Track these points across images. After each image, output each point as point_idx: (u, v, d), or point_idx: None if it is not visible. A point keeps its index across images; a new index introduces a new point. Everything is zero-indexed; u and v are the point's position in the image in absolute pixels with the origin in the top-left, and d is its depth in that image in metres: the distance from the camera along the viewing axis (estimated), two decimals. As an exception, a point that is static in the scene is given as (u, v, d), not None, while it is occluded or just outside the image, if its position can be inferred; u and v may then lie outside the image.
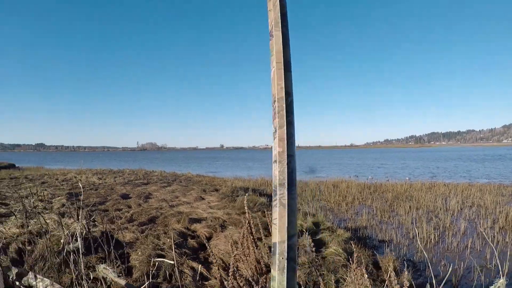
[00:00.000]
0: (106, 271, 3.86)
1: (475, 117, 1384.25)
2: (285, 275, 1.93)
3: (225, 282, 3.09)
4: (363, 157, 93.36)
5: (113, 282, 3.94)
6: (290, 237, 1.94)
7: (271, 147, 2.07)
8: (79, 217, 4.79)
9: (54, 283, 3.67)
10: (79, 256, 4.56)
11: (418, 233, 7.97)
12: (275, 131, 2.01)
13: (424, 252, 7.98)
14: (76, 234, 4.61)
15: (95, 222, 8.99)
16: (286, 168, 1.98)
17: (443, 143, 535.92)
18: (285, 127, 1.99)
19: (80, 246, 4.44)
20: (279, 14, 2.14)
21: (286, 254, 1.92)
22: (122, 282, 3.70)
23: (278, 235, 1.94)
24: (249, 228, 3.32)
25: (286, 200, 1.95)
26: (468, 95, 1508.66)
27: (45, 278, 3.73)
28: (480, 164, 48.43)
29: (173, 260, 5.73)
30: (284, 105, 2.01)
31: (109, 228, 8.22)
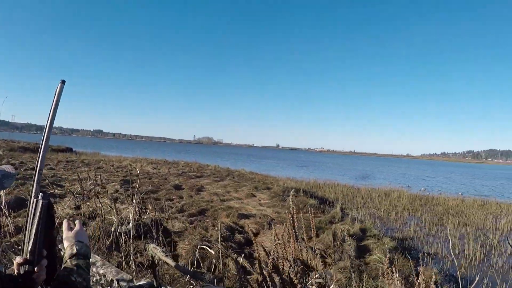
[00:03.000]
0: (155, 250, 3.98)
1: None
2: None
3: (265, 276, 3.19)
4: (410, 167, 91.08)
5: (161, 261, 4.04)
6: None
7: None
8: (133, 201, 4.96)
9: (104, 260, 3.82)
10: (129, 238, 4.81)
11: (464, 250, 7.86)
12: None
13: (468, 269, 7.91)
14: (129, 217, 4.79)
15: (147, 210, 9.29)
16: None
17: (501, 161, 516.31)
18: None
19: (131, 229, 4.60)
20: None
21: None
22: (171, 262, 3.83)
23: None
24: (292, 222, 3.43)
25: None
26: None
27: (96, 255, 3.88)
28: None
29: (218, 252, 5.91)
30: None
31: (160, 216, 8.49)
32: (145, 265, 5.12)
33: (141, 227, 5.36)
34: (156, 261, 3.85)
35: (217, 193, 13.40)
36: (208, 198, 12.25)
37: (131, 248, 4.75)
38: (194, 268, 5.73)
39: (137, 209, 5.05)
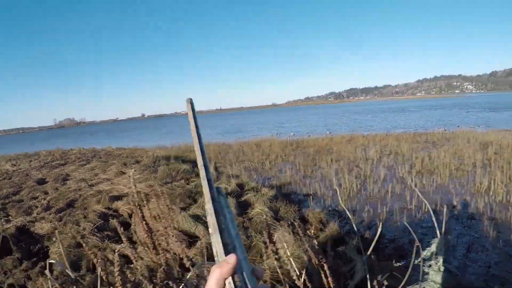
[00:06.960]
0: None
1: (392, 72, 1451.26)
2: None
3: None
4: (272, 116, 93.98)
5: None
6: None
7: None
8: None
9: None
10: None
11: (341, 184, 8.13)
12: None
13: (348, 201, 8.18)
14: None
15: (9, 217, 8.48)
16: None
17: (361, 98, 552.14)
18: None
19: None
20: None
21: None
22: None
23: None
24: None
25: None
26: (386, 51, 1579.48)
27: None
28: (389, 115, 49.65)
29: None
30: None
31: (25, 221, 7.78)
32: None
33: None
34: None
35: (84, 179, 12.55)
36: (75, 187, 11.38)
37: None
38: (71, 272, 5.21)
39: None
